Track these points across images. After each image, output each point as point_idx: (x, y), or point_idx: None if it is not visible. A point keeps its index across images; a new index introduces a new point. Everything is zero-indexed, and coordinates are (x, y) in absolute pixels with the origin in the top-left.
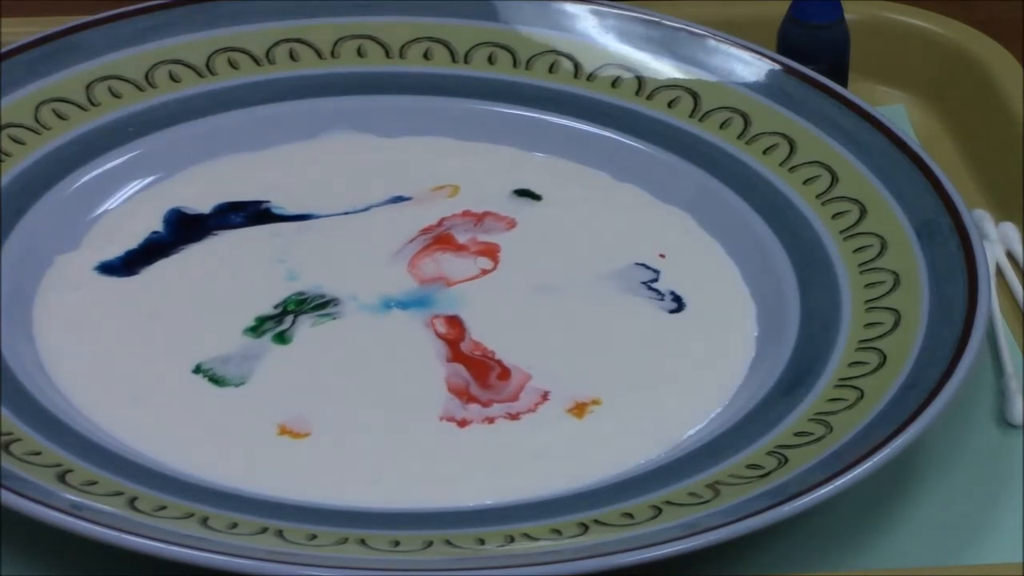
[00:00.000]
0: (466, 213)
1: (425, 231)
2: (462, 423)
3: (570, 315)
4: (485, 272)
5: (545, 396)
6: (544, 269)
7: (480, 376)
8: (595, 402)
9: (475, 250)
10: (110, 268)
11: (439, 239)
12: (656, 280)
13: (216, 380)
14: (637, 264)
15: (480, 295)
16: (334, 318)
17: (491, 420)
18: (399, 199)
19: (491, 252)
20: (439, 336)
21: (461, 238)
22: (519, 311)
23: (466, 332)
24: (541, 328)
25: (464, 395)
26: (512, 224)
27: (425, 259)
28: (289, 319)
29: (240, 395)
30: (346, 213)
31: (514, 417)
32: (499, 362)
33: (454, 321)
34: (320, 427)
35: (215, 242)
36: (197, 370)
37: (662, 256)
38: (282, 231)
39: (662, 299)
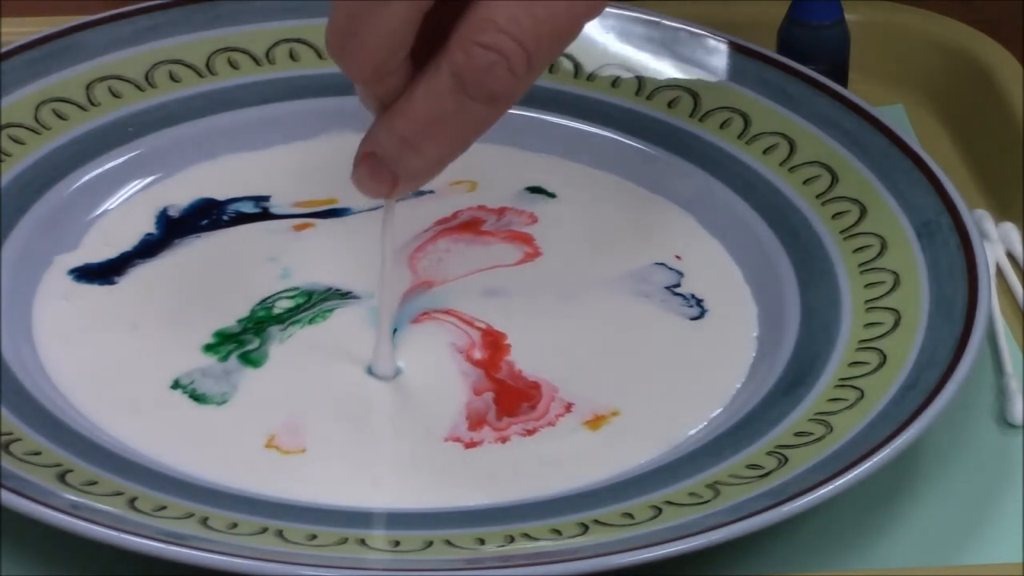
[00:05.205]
0: (481, 207)
1: (440, 222)
2: (470, 444)
3: (594, 319)
4: (530, 256)
5: (569, 407)
6: (567, 267)
7: (509, 406)
8: (614, 413)
9: (503, 236)
10: (90, 274)
11: (465, 225)
12: (679, 285)
13: (197, 397)
14: (656, 264)
15: (507, 295)
16: (327, 315)
17: (504, 440)
18: (420, 193)
19: (526, 239)
20: (476, 364)
21: (487, 228)
22: (546, 313)
23: (508, 352)
24: (568, 333)
25: (481, 423)
26: (534, 219)
27: (441, 243)
28: (254, 340)
29: (229, 409)
30: (372, 209)
31: (530, 432)
32: (534, 386)
33: (493, 340)
34: (314, 444)
35: (211, 242)
36: (176, 385)
37: (678, 257)
38: (282, 229)
39: (691, 305)
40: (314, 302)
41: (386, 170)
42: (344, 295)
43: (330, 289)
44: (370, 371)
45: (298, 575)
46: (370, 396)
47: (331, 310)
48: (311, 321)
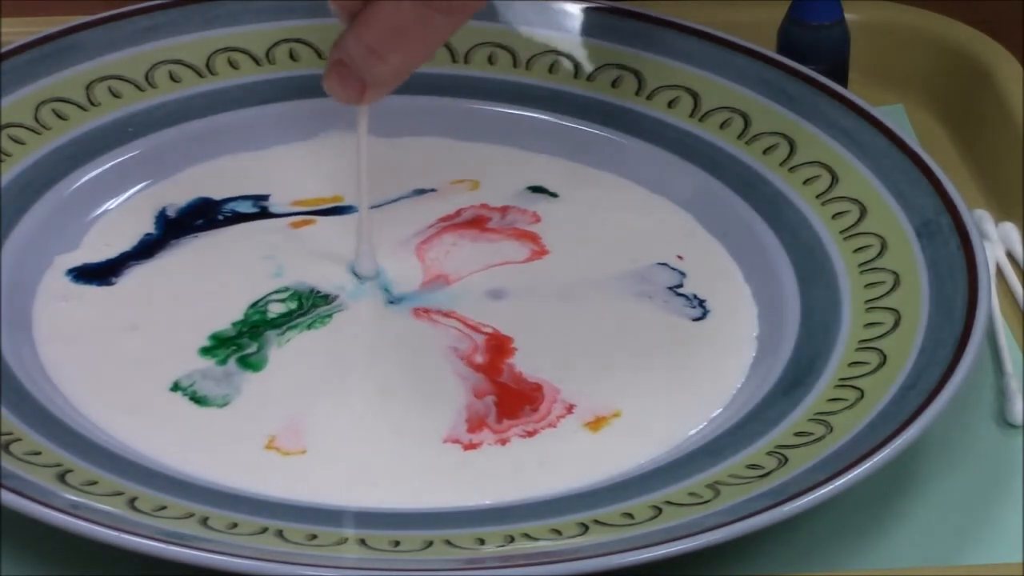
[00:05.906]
0: (484, 206)
1: (443, 219)
2: (468, 446)
3: (597, 319)
4: (536, 254)
5: (570, 409)
6: (571, 267)
7: (511, 408)
8: (615, 414)
9: (509, 234)
10: (88, 274)
11: (470, 222)
12: (681, 285)
13: (198, 400)
14: (659, 264)
15: (510, 295)
16: (327, 321)
17: (504, 442)
18: (421, 191)
19: (532, 237)
20: (476, 368)
21: (491, 226)
22: (549, 314)
23: (511, 356)
24: (571, 334)
25: (480, 426)
26: (537, 218)
27: (447, 237)
28: (251, 344)
29: (229, 410)
30: (376, 206)
31: (531, 434)
32: (536, 387)
33: (498, 344)
34: (315, 445)
35: (208, 241)
36: (175, 388)
37: (680, 258)
38: (280, 227)
39: (694, 306)
40: (306, 308)
41: (354, 77)
42: (325, 298)
43: (312, 291)
44: (353, 272)
45: (298, 575)
46: (370, 398)
47: (329, 315)
48: (309, 327)
